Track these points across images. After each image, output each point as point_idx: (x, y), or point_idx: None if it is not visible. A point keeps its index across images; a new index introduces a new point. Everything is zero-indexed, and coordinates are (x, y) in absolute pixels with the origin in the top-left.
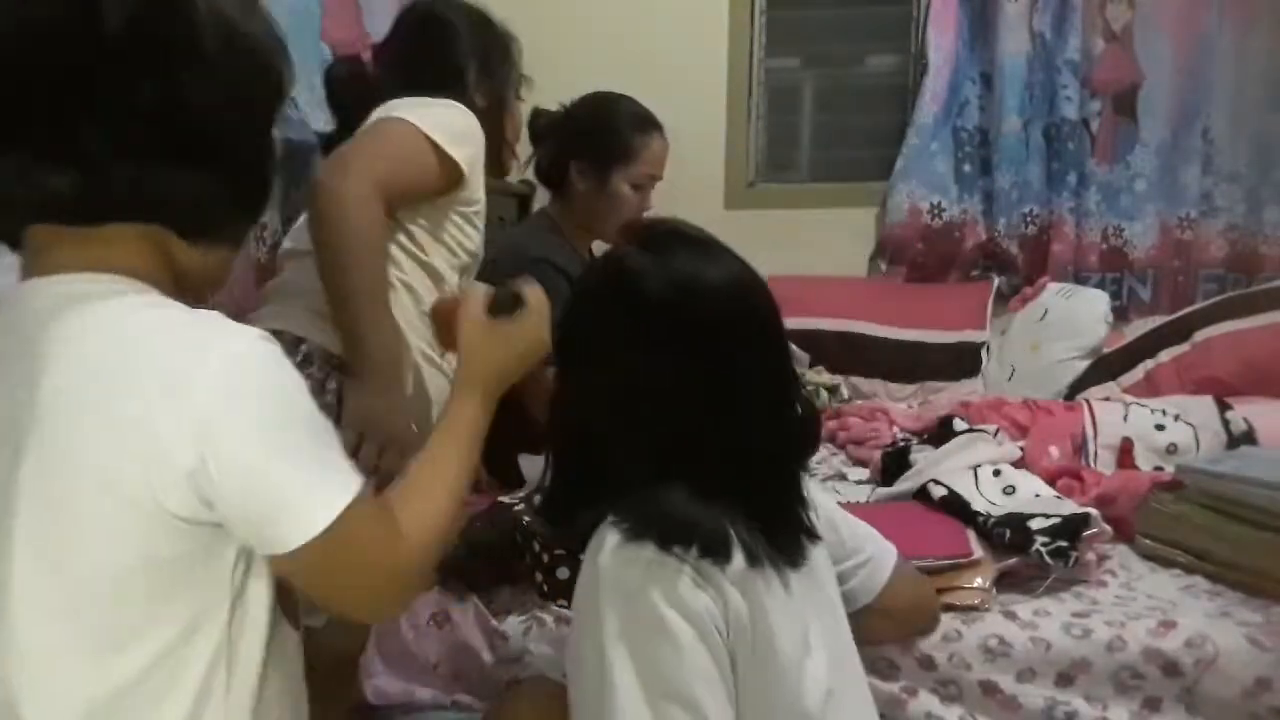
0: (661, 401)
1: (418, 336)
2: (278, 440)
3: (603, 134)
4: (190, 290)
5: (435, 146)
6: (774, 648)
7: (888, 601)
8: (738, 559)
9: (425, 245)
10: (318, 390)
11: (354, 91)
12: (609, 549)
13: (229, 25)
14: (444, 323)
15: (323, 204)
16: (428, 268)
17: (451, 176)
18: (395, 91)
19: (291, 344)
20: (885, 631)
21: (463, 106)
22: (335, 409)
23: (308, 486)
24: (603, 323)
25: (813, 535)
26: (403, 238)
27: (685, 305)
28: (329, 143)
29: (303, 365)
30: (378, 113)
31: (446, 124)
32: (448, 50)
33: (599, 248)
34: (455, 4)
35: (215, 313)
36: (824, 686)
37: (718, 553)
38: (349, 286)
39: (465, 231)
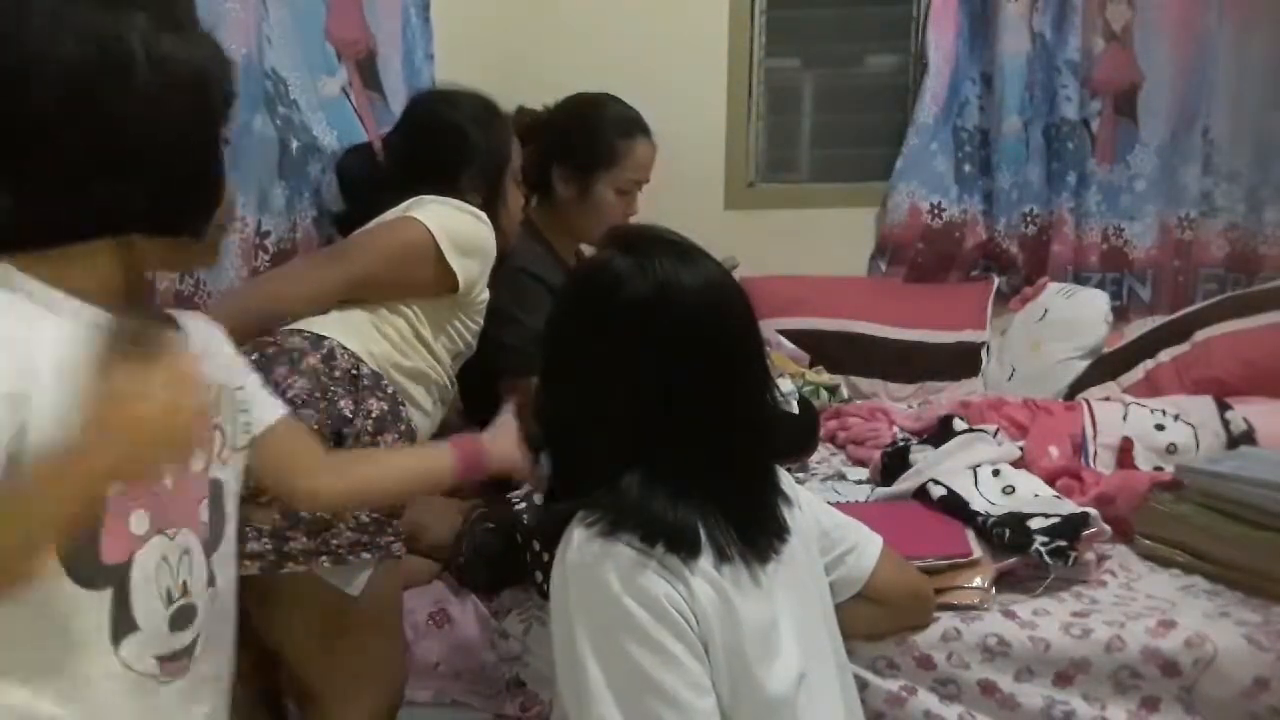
0: (641, 401)
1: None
2: None
3: (585, 137)
4: (140, 295)
5: (439, 253)
6: (740, 637)
7: (877, 590)
8: (705, 554)
9: (430, 327)
10: (350, 379)
11: (362, 181)
12: (575, 546)
13: (163, 58)
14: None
15: None
16: (426, 344)
17: (447, 283)
18: (400, 184)
19: (314, 340)
20: (880, 622)
21: (482, 215)
22: (355, 392)
23: None
24: (587, 324)
25: (784, 531)
26: (410, 312)
27: (665, 307)
28: (342, 222)
29: (327, 359)
30: (408, 204)
31: (459, 234)
32: (447, 154)
33: (587, 250)
34: (460, 99)
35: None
36: (795, 672)
37: (683, 549)
38: None
39: (467, 325)
